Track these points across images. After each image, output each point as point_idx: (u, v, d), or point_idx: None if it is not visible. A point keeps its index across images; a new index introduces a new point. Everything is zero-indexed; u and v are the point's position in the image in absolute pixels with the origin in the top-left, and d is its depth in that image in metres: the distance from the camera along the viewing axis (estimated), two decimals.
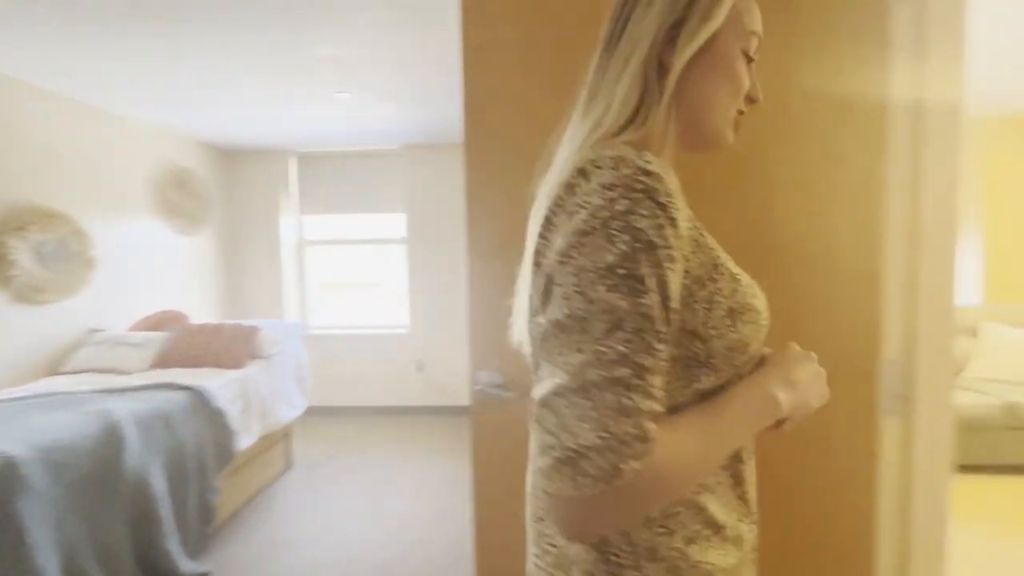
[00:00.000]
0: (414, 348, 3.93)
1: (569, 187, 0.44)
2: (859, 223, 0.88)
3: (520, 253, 0.51)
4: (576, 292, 0.41)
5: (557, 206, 0.44)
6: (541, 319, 0.44)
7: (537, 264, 0.46)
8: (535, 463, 0.42)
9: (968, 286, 3.88)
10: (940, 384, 0.88)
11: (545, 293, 0.44)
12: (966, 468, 2.97)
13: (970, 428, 2.91)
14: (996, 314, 3.47)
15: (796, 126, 0.87)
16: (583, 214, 0.41)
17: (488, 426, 1.11)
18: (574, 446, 0.38)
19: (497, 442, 1.09)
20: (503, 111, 1.00)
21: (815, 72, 0.86)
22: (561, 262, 0.42)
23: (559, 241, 0.43)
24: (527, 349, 0.54)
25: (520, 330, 0.55)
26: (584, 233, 0.41)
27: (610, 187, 0.41)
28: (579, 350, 0.39)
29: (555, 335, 0.41)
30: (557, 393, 0.40)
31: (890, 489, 0.90)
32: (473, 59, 1.00)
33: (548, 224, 0.45)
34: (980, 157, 3.80)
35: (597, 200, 0.41)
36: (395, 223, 3.97)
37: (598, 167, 0.43)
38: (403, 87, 2.61)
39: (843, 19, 0.85)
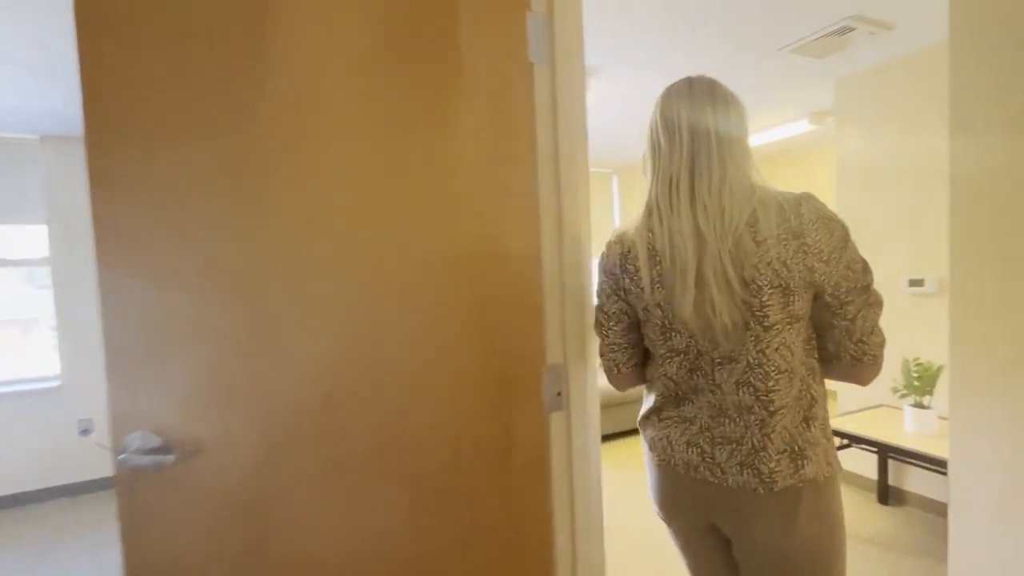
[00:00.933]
0: (73, 405, 2.97)
1: (802, 211, 0.84)
2: (525, 237, 0.99)
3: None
4: (861, 259, 0.86)
5: (801, 224, 0.84)
6: (841, 279, 0.85)
7: (807, 250, 0.83)
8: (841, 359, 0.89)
9: None
10: (586, 381, 1.06)
11: (831, 260, 0.84)
12: (626, 432, 3.84)
13: (631, 400, 3.75)
14: None
15: (463, 128, 0.93)
16: (838, 224, 0.85)
17: (145, 507, 0.86)
18: (883, 338, 0.89)
19: (160, 527, 0.86)
20: (140, 90, 0.79)
21: (480, 78, 0.94)
22: (845, 247, 0.85)
23: (829, 239, 0.84)
24: (693, 321, 0.88)
25: (689, 304, 0.87)
26: (846, 237, 0.85)
27: (831, 212, 0.86)
28: (870, 286, 0.87)
29: (865, 276, 0.86)
30: (876, 306, 0.88)
31: (560, 476, 1.04)
32: (89, 12, 0.77)
33: (802, 234, 0.83)
34: (626, 196, 4.96)
35: (836, 218, 0.85)
36: (33, 238, 2.95)
37: (808, 200, 0.86)
38: (24, 50, 1.94)
39: (495, 41, 0.95)
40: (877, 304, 0.87)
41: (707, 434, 0.91)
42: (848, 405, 2.77)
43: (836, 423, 2.39)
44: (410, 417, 0.90)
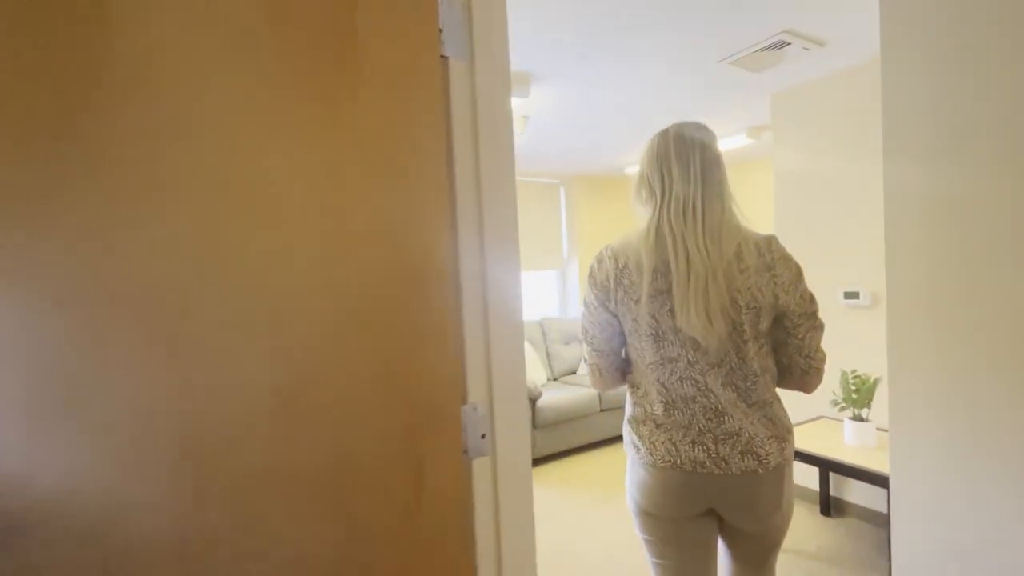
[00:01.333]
0: None
1: (772, 249, 1.05)
2: (439, 256, 0.85)
3: None
4: (809, 291, 1.08)
5: (772, 259, 1.05)
6: (796, 306, 1.07)
7: (776, 282, 1.05)
8: (801, 368, 1.11)
9: (574, 303, 4.97)
10: (517, 421, 0.93)
11: (789, 290, 1.05)
12: (573, 450, 3.75)
13: (577, 416, 3.66)
14: None
15: (367, 146, 0.79)
16: (794, 263, 1.06)
17: None
18: (825, 354, 1.12)
19: None
20: None
21: (382, 88, 0.79)
22: (799, 281, 1.06)
23: (789, 274, 1.05)
24: (704, 329, 1.02)
25: (704, 318, 1.01)
26: (800, 273, 1.07)
27: (789, 253, 1.08)
28: (816, 313, 1.09)
29: (812, 305, 1.08)
30: (819, 329, 1.09)
31: (485, 534, 0.89)
32: None
33: (772, 267, 1.04)
34: (573, 207, 4.94)
35: (792, 257, 1.06)
36: None
37: (775, 241, 1.07)
38: None
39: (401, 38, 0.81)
40: (820, 328, 1.10)
41: (710, 434, 1.06)
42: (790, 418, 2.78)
43: None
44: (293, 476, 0.74)
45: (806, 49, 2.16)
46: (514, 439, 0.94)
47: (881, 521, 2.40)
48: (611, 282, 1.09)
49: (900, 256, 1.35)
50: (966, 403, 1.24)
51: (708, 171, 1.06)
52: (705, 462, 1.05)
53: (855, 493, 2.52)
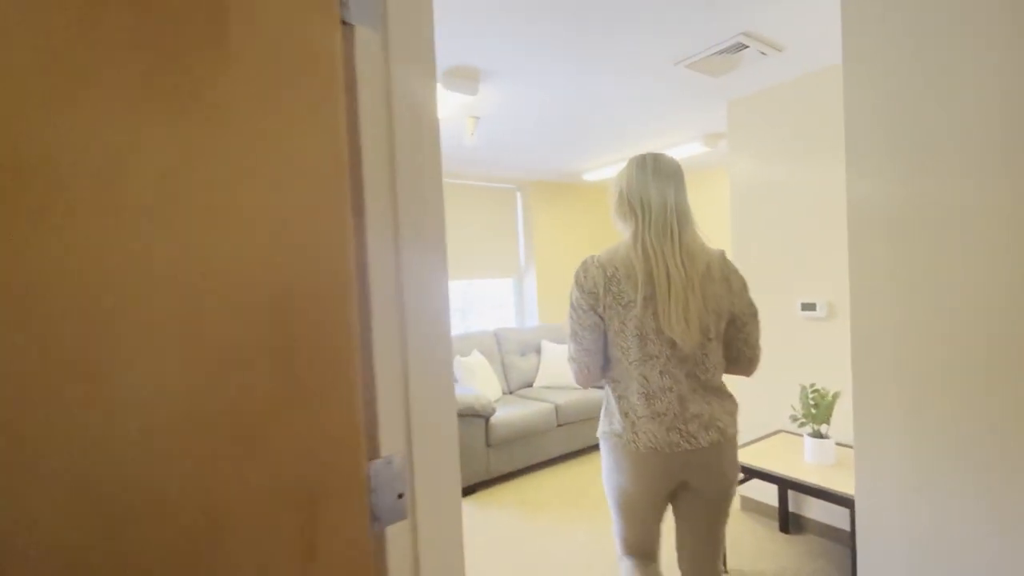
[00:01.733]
0: None
1: (726, 263, 1.30)
2: (337, 272, 0.67)
3: None
4: (749, 297, 1.34)
5: (727, 271, 1.29)
6: (744, 309, 1.31)
7: (731, 290, 1.29)
8: (744, 358, 1.36)
9: (531, 312, 4.84)
10: (442, 472, 0.76)
11: (742, 296, 1.31)
12: (530, 468, 3.59)
13: (534, 433, 3.50)
14: (547, 333, 4.40)
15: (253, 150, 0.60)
16: (740, 274, 1.32)
17: None
18: (760, 345, 1.37)
19: None
20: None
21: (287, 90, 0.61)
22: (746, 288, 1.32)
23: (740, 283, 1.31)
24: (683, 332, 1.22)
25: (683, 323, 1.22)
26: (745, 282, 1.33)
27: (735, 267, 1.35)
28: (756, 314, 1.34)
29: (754, 307, 1.34)
30: (759, 324, 1.35)
31: None
32: None
33: (728, 278, 1.29)
34: (530, 213, 4.81)
35: (738, 271, 1.33)
36: None
37: (725, 256, 1.31)
38: None
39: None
40: (759, 325, 1.35)
41: (680, 418, 1.24)
42: (748, 435, 2.71)
43: (739, 455, 2.28)
44: None
45: (763, 54, 2.10)
46: (441, 495, 0.77)
47: (842, 538, 2.35)
48: (600, 289, 1.25)
49: (864, 267, 1.27)
50: (934, 419, 1.17)
51: (680, 199, 1.28)
52: (679, 443, 1.24)
53: (815, 509, 2.47)
